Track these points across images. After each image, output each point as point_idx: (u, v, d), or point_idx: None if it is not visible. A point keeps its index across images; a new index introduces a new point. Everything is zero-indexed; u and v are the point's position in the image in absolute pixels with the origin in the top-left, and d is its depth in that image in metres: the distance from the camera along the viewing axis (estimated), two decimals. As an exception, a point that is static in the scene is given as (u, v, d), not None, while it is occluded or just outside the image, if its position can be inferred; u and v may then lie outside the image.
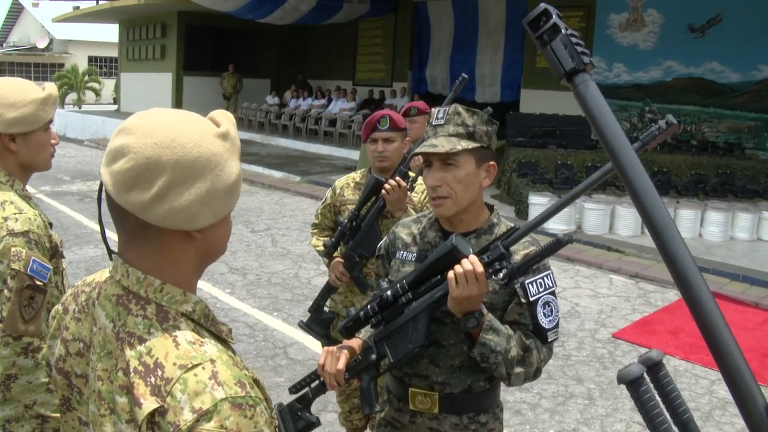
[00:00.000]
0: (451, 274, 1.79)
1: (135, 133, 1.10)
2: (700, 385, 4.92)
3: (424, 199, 3.27)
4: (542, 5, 0.94)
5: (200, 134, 1.12)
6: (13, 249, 1.97)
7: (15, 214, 2.03)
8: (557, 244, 1.65)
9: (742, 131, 12.72)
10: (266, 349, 5.32)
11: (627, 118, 14.09)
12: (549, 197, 9.54)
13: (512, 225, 2.03)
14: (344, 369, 1.97)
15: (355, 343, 2.04)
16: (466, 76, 3.13)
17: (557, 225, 8.83)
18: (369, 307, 1.96)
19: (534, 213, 9.54)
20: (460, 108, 2.00)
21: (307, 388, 2.08)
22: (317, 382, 2.06)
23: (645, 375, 0.90)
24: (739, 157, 11.65)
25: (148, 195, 1.08)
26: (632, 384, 0.89)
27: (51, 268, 2.07)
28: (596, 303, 6.82)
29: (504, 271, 1.76)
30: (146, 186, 1.08)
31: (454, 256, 1.79)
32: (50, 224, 2.19)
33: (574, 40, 0.92)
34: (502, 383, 2.08)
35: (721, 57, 12.75)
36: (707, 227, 9.33)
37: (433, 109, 2.05)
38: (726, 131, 12.89)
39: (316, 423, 2.08)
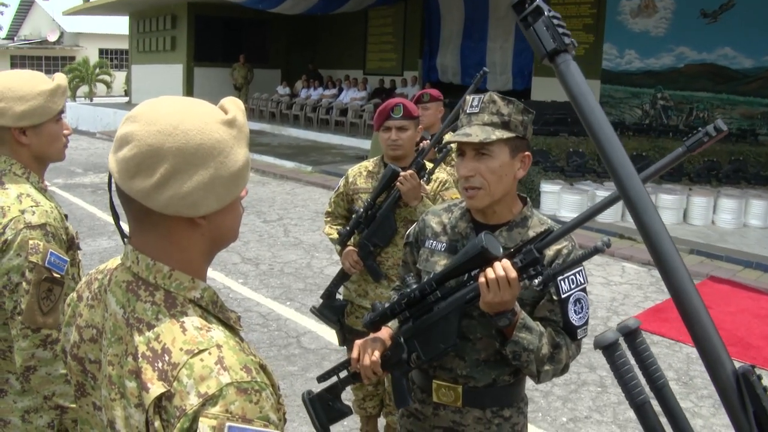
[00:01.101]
0: (482, 278, 1.74)
1: (140, 120, 1.12)
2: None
3: (437, 188, 3.28)
4: None
5: (204, 121, 1.13)
6: (30, 242, 1.98)
7: (32, 206, 2.04)
8: (595, 251, 1.63)
9: (755, 117, 12.60)
10: (279, 338, 5.35)
11: (639, 105, 13.99)
12: (561, 185, 9.50)
13: (546, 219, 2.01)
14: (379, 361, 1.94)
15: (385, 334, 2.00)
16: (487, 69, 3.14)
17: (569, 213, 8.79)
18: (396, 303, 1.92)
19: (546, 201, 9.51)
20: (495, 96, 1.93)
21: (336, 378, 2.08)
22: (346, 372, 2.04)
23: (621, 342, 0.93)
24: (752, 143, 11.56)
25: (151, 182, 1.09)
26: (607, 349, 0.93)
27: (68, 260, 2.08)
28: (609, 291, 6.81)
29: (540, 277, 1.71)
30: (149, 173, 1.09)
31: (485, 257, 1.74)
32: (65, 216, 2.21)
33: (555, 21, 0.96)
34: (527, 377, 2.05)
35: (734, 42, 12.62)
36: (720, 214, 9.28)
37: (467, 97, 1.98)
38: (739, 117, 12.78)
39: (348, 412, 2.07)
